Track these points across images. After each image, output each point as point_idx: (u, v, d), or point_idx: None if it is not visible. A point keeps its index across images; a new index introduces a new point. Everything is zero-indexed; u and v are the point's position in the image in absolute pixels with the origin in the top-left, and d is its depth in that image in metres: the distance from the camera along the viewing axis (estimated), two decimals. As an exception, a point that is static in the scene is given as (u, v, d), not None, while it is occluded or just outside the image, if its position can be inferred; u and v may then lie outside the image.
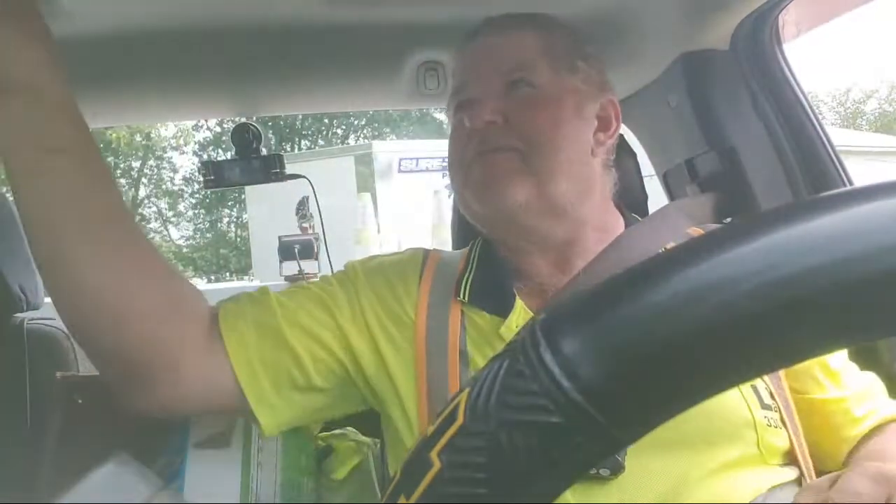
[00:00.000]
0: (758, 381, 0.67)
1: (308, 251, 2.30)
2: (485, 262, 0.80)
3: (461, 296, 0.76)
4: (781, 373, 0.71)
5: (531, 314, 0.73)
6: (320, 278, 0.82)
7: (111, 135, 10.57)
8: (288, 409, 0.72)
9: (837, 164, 1.03)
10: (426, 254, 0.83)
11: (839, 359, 0.74)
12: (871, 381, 0.76)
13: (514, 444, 0.24)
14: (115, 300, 0.61)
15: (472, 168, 0.75)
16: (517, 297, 0.75)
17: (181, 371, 0.66)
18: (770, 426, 0.65)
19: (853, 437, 0.71)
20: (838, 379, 0.73)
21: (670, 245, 0.76)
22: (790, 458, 0.67)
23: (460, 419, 0.26)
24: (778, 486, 0.64)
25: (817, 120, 1.05)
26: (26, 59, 0.58)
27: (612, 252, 0.74)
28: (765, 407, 0.66)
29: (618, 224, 0.81)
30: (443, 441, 0.26)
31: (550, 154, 0.74)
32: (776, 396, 0.68)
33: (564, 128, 0.75)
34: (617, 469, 0.61)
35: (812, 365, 0.72)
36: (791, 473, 0.66)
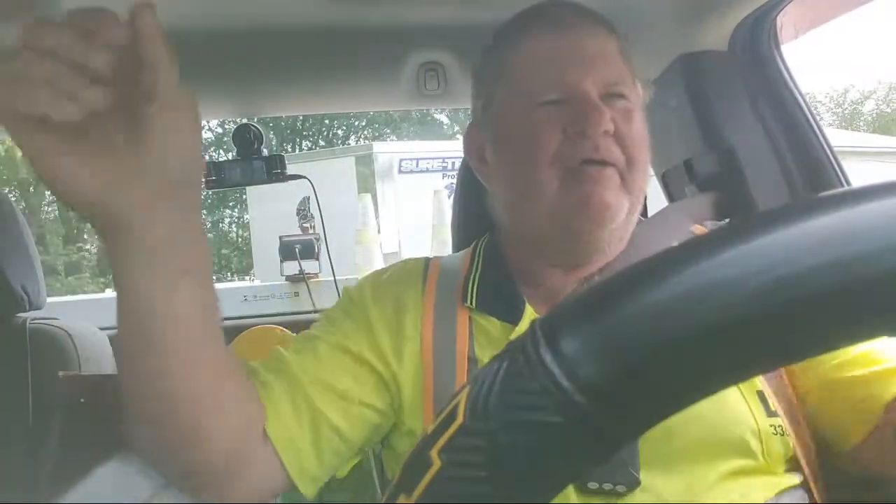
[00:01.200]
0: (763, 387, 0.66)
1: (309, 251, 2.29)
2: (491, 265, 0.77)
3: (468, 301, 0.74)
4: (785, 376, 0.70)
5: None
6: (325, 317, 0.79)
7: (112, 135, 10.52)
8: (329, 471, 0.70)
9: (835, 164, 1.03)
10: (427, 262, 0.81)
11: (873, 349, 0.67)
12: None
13: (513, 443, 0.24)
14: (206, 418, 0.60)
15: (576, 176, 0.70)
16: (527, 304, 0.73)
17: (246, 477, 0.65)
18: (775, 434, 0.64)
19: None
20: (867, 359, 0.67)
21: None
22: (793, 464, 0.66)
23: (460, 418, 0.26)
24: (784, 490, 0.64)
25: (815, 121, 1.05)
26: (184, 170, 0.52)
27: (623, 256, 0.73)
28: (770, 415, 0.65)
29: None
30: (443, 440, 0.26)
31: (642, 173, 0.72)
32: (780, 402, 0.66)
33: (648, 146, 0.74)
34: (633, 484, 0.60)
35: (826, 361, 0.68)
36: (795, 478, 0.65)
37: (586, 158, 0.69)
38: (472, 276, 0.76)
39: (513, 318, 0.72)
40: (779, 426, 0.64)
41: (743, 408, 0.64)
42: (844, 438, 0.67)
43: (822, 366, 0.68)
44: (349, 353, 0.71)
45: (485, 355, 0.70)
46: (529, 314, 0.72)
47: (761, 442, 0.63)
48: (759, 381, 0.66)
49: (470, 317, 0.73)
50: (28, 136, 0.46)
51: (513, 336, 0.69)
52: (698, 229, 0.81)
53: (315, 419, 0.68)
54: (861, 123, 19.83)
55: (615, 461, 0.60)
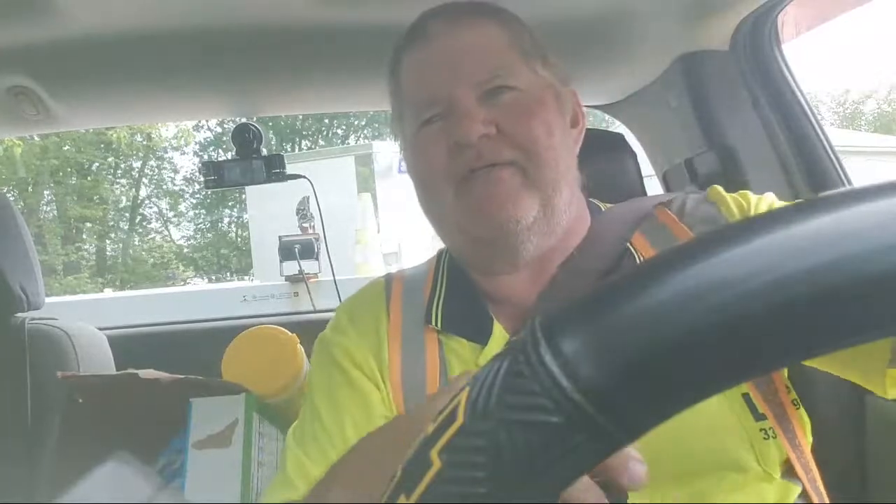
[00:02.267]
0: (749, 390, 0.63)
1: (308, 251, 2.29)
2: (454, 283, 0.74)
3: (434, 322, 0.71)
4: (776, 376, 0.67)
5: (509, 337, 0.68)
6: (309, 394, 0.75)
7: (112, 135, 10.58)
8: None
9: (836, 164, 1.03)
10: (389, 281, 0.78)
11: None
12: None
13: (513, 443, 0.24)
14: None
15: (467, 185, 0.67)
16: (495, 322, 0.70)
17: None
18: (766, 438, 0.62)
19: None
20: None
21: (641, 238, 0.72)
22: (789, 468, 0.64)
23: (460, 419, 0.26)
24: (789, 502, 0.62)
25: (816, 120, 1.05)
26: None
27: (585, 247, 0.70)
28: (759, 418, 0.63)
29: (584, 216, 0.76)
30: (443, 440, 0.26)
31: (551, 164, 0.67)
32: (768, 404, 0.64)
33: (556, 132, 0.69)
34: (621, 499, 0.59)
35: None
36: (794, 485, 0.63)
37: (473, 166, 0.67)
38: (436, 296, 0.73)
39: (481, 337, 0.69)
40: (769, 429, 0.62)
41: (728, 417, 0.62)
42: (874, 383, 0.62)
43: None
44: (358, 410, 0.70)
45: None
46: (498, 333, 0.69)
47: (753, 449, 0.61)
48: (746, 384, 0.64)
49: (438, 339, 0.71)
50: None
51: (479, 359, 0.67)
52: (660, 211, 0.76)
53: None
54: (862, 123, 19.86)
55: (601, 485, 0.58)
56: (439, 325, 0.70)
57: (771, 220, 0.25)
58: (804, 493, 0.64)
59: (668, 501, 0.59)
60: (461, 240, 0.72)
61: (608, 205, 0.80)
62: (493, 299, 0.73)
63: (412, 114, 0.72)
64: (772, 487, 0.62)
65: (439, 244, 0.81)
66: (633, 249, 0.71)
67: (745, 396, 0.63)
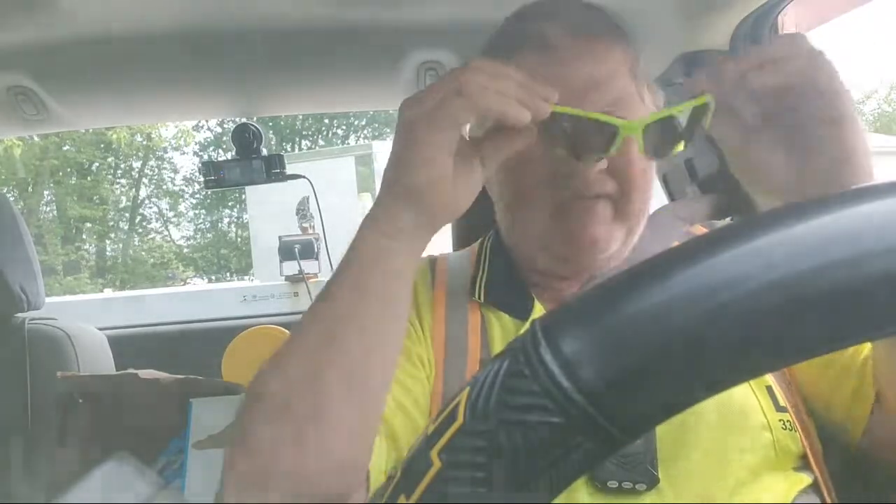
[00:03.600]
0: (771, 383, 0.66)
1: (308, 251, 2.29)
2: (498, 264, 0.77)
3: (476, 296, 0.73)
4: (788, 373, 0.70)
5: None
6: None
7: (112, 135, 10.57)
8: None
9: (837, 164, 1.03)
10: (433, 260, 0.80)
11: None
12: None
13: (513, 443, 0.24)
14: (364, 422, 0.55)
15: (565, 212, 0.68)
16: (536, 300, 0.72)
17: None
18: (785, 429, 0.64)
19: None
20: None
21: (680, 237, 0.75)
22: (804, 462, 0.66)
23: (460, 419, 0.26)
24: (801, 490, 0.63)
25: (817, 120, 1.05)
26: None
27: (626, 263, 0.73)
28: (780, 409, 0.65)
29: None
30: (443, 441, 0.26)
31: (641, 203, 0.70)
32: (788, 398, 0.66)
33: (650, 173, 0.71)
34: (652, 482, 0.60)
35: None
36: (807, 478, 0.65)
37: (578, 195, 0.67)
38: (480, 274, 0.76)
39: (523, 314, 0.71)
40: (788, 421, 0.65)
41: (753, 402, 0.64)
42: (852, 430, 0.67)
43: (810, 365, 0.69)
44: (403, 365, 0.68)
45: (497, 350, 0.68)
46: (538, 310, 0.72)
47: (773, 435, 0.63)
48: (769, 376, 0.66)
49: (481, 312, 0.73)
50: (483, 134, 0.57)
51: (523, 331, 0.68)
52: (693, 230, 0.80)
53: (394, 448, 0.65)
54: (862, 123, 19.82)
55: (634, 459, 0.60)
56: (482, 298, 0.73)
57: (770, 220, 0.25)
58: (816, 487, 0.65)
59: (692, 473, 0.61)
60: (541, 252, 0.73)
61: None
62: (533, 283, 0.75)
63: (560, 119, 0.66)
64: (785, 477, 0.63)
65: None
66: None
67: (769, 388, 0.66)
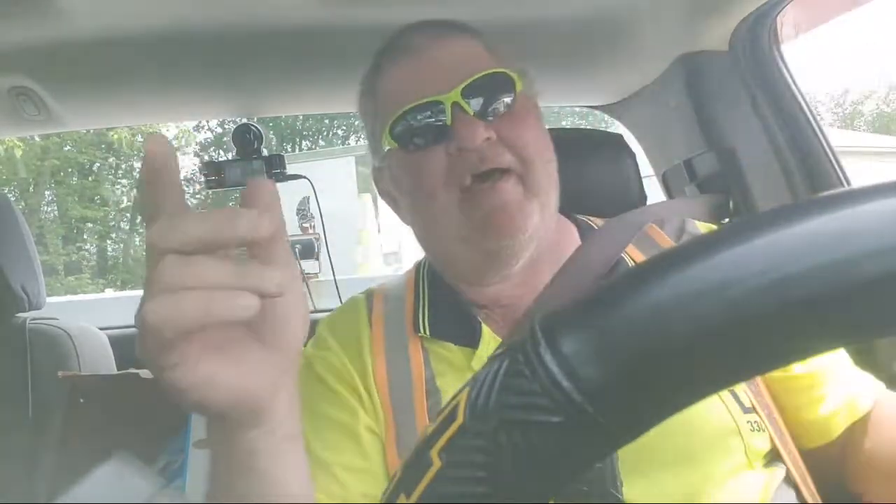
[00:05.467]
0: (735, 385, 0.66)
1: (309, 251, 2.29)
2: (437, 290, 0.75)
3: (420, 329, 0.71)
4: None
5: (500, 340, 0.70)
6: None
7: (112, 135, 10.56)
8: None
9: (836, 164, 1.03)
10: (369, 295, 0.79)
11: None
12: (837, 358, 0.72)
13: (513, 443, 0.24)
14: None
15: (472, 198, 0.68)
16: (483, 325, 0.71)
17: None
18: (753, 430, 0.64)
19: (821, 420, 0.69)
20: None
21: (632, 248, 0.74)
22: (774, 457, 0.66)
23: (460, 418, 0.26)
24: (778, 487, 0.63)
25: (815, 120, 1.05)
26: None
27: (576, 261, 0.71)
28: (746, 411, 0.64)
29: (567, 230, 0.78)
30: (443, 440, 0.26)
31: (544, 172, 0.69)
32: (754, 397, 0.66)
33: (545, 140, 0.71)
34: (614, 501, 0.59)
35: None
36: (779, 473, 0.65)
37: (476, 172, 0.67)
38: (420, 304, 0.74)
39: (471, 341, 0.69)
40: (755, 422, 0.64)
41: (718, 407, 0.63)
42: (802, 442, 0.69)
43: (779, 388, 0.70)
44: (346, 426, 0.68)
45: (446, 383, 0.68)
46: (487, 336, 0.70)
47: (742, 439, 0.63)
48: None
49: (423, 345, 0.71)
50: (186, 344, 0.38)
51: (473, 361, 0.68)
52: (652, 230, 0.77)
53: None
54: (861, 123, 19.84)
55: (596, 482, 0.59)
56: (427, 332, 0.71)
57: (770, 220, 0.25)
58: (789, 479, 0.65)
59: (659, 490, 0.60)
60: (461, 250, 0.72)
61: (596, 220, 0.82)
62: (479, 305, 0.73)
63: (401, 123, 0.71)
64: (757, 475, 0.63)
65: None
66: (626, 257, 0.73)
67: (731, 391, 0.65)
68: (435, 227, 0.73)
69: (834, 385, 0.70)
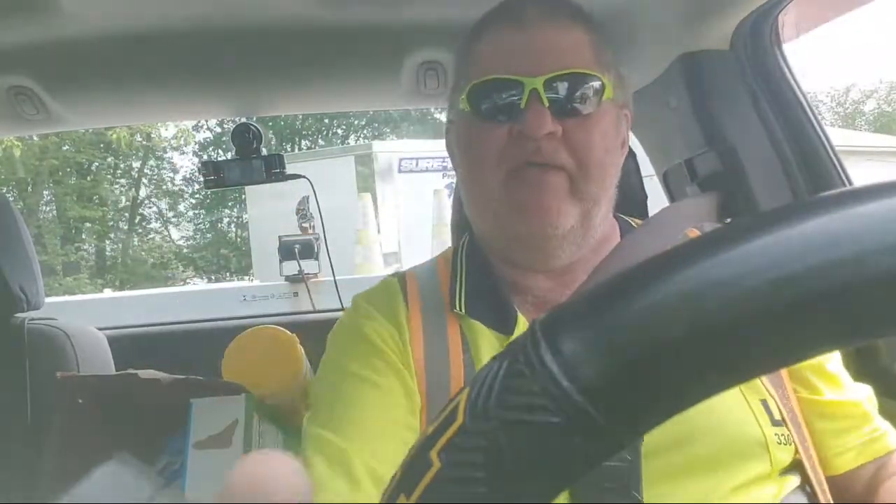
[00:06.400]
0: (766, 395, 0.66)
1: (308, 251, 2.29)
2: (476, 271, 0.75)
3: (457, 307, 0.71)
4: (787, 382, 0.70)
5: None
6: (332, 374, 0.72)
7: (111, 135, 10.56)
8: None
9: (837, 164, 1.03)
10: (401, 276, 0.79)
11: (835, 362, 0.73)
12: (869, 393, 0.74)
13: (513, 443, 0.24)
14: None
15: (517, 179, 0.68)
16: (519, 314, 0.71)
17: None
18: (780, 443, 0.64)
19: (861, 449, 0.70)
20: (838, 382, 0.72)
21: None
22: (794, 467, 0.66)
23: (460, 419, 0.26)
24: (791, 492, 0.64)
25: (816, 120, 1.05)
26: None
27: (612, 262, 0.72)
28: (775, 423, 0.64)
29: (614, 231, 0.79)
30: (443, 440, 0.26)
31: (599, 179, 0.69)
32: (784, 410, 0.66)
33: (611, 150, 0.71)
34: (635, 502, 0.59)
35: (806, 367, 0.71)
36: (795, 480, 0.65)
37: (528, 161, 0.68)
38: (458, 282, 0.74)
39: (506, 328, 0.70)
40: (784, 435, 0.64)
41: (749, 419, 0.63)
42: (826, 466, 0.70)
43: (809, 411, 0.70)
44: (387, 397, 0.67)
45: (482, 362, 0.68)
46: (522, 325, 0.70)
47: (769, 451, 0.63)
48: (764, 390, 0.66)
49: (461, 325, 0.71)
50: None
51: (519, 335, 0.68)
52: (693, 233, 0.80)
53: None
54: (862, 123, 19.87)
55: (617, 482, 0.59)
56: (463, 309, 0.71)
57: (769, 220, 0.25)
58: (806, 491, 0.65)
59: (681, 495, 0.60)
60: (496, 227, 0.73)
61: (638, 221, 0.82)
62: (516, 290, 0.74)
63: (476, 88, 0.71)
64: (778, 485, 0.64)
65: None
66: None
67: (764, 402, 0.65)
68: (480, 197, 0.73)
69: (862, 418, 0.71)
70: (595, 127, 0.69)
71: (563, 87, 0.68)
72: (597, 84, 0.69)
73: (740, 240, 0.24)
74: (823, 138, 1.04)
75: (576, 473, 0.25)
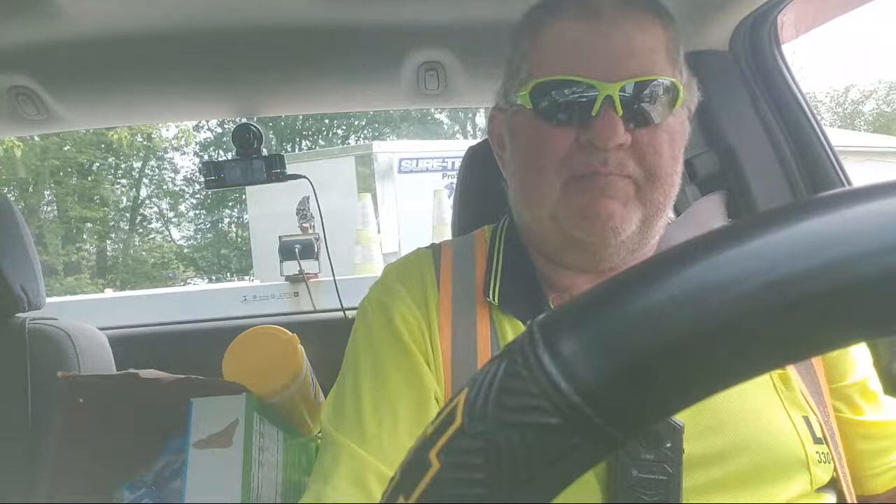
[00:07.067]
0: (809, 413, 0.64)
1: (308, 251, 2.29)
2: (513, 262, 0.72)
3: (490, 296, 0.69)
4: (828, 399, 0.69)
5: None
6: (353, 365, 0.71)
7: (112, 135, 10.56)
8: None
9: (836, 164, 1.03)
10: (436, 250, 0.76)
11: (875, 380, 0.72)
12: None
13: (512, 445, 0.24)
14: None
15: (580, 183, 0.65)
16: (552, 305, 0.69)
17: None
18: (821, 462, 0.63)
19: (880, 471, 0.70)
20: (879, 401, 0.71)
21: None
22: (830, 486, 0.65)
23: (459, 420, 0.26)
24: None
25: (815, 120, 1.05)
26: None
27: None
28: (817, 441, 0.63)
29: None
30: (441, 442, 0.26)
31: (663, 189, 0.66)
32: (825, 428, 0.65)
33: (678, 160, 0.67)
34: None
35: (850, 386, 0.70)
36: (831, 497, 0.64)
37: (594, 171, 0.64)
38: (493, 271, 0.71)
39: None
40: (824, 453, 0.63)
41: (792, 435, 0.62)
42: (862, 486, 0.69)
43: (850, 431, 0.70)
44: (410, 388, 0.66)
45: None
46: None
47: (810, 471, 0.62)
48: (807, 407, 0.65)
49: (491, 313, 0.69)
50: None
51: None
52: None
53: None
54: (861, 123, 19.84)
55: (657, 495, 0.58)
56: (497, 300, 0.68)
57: (768, 220, 0.25)
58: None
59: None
60: (549, 227, 0.69)
61: (672, 216, 0.79)
62: (553, 286, 0.71)
63: (542, 87, 0.66)
64: (815, 503, 0.63)
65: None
66: None
67: (806, 419, 0.64)
68: (534, 197, 0.69)
69: None
70: (666, 135, 0.65)
71: (638, 95, 0.63)
72: (672, 90, 0.65)
73: (738, 241, 0.24)
74: (822, 138, 1.04)
75: (574, 474, 0.25)
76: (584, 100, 0.64)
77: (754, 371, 0.26)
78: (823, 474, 0.63)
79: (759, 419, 0.62)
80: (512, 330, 0.68)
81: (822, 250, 0.23)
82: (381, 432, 0.64)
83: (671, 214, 0.79)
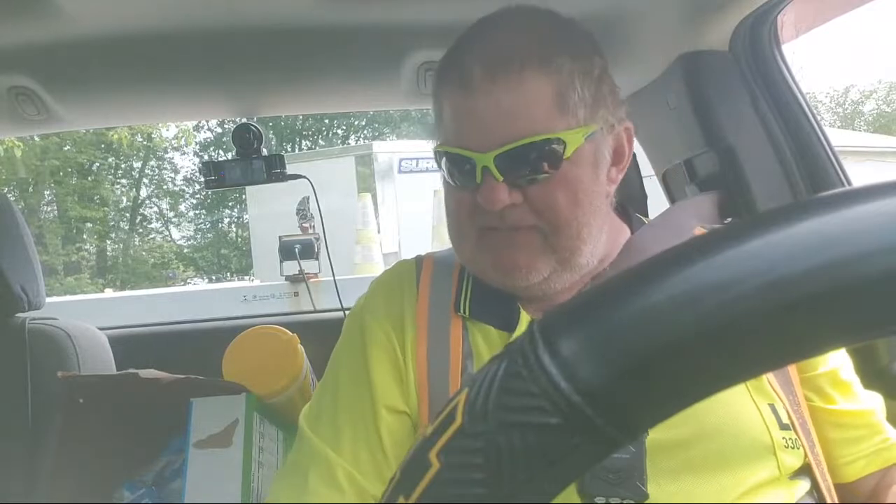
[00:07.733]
0: (776, 400, 0.66)
1: (309, 251, 2.29)
2: (482, 282, 0.75)
3: (461, 310, 0.73)
4: (798, 388, 0.70)
5: None
6: (332, 374, 0.77)
7: (112, 136, 10.56)
8: None
9: (836, 164, 1.03)
10: (419, 262, 0.80)
11: (848, 370, 0.73)
12: (881, 402, 0.75)
13: (512, 445, 0.24)
14: None
15: (487, 239, 0.69)
16: (522, 310, 0.72)
17: None
18: (788, 447, 0.64)
19: (871, 458, 0.71)
20: (851, 391, 0.72)
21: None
22: (803, 472, 0.66)
23: (459, 420, 0.26)
24: (798, 498, 0.64)
25: (816, 120, 1.05)
26: None
27: (621, 261, 0.72)
28: (783, 427, 0.65)
29: (621, 230, 0.78)
30: (441, 442, 0.26)
31: (572, 233, 0.67)
32: (793, 414, 0.66)
33: (583, 198, 0.66)
34: (640, 497, 0.60)
35: (821, 376, 0.71)
36: (804, 485, 0.65)
37: (494, 226, 0.68)
38: (464, 287, 0.75)
39: (508, 325, 0.71)
40: (791, 439, 0.65)
41: (756, 421, 0.64)
42: (834, 474, 0.70)
43: (821, 419, 0.71)
44: (380, 405, 0.72)
45: (481, 365, 0.68)
46: (525, 321, 0.71)
47: (776, 456, 0.63)
48: (774, 395, 0.66)
49: (464, 325, 0.73)
50: None
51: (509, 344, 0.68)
52: (699, 231, 0.80)
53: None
54: (862, 123, 19.84)
55: (622, 474, 0.60)
56: (467, 313, 0.73)
57: (767, 221, 0.25)
58: (817, 493, 0.66)
59: (687, 493, 0.61)
60: (481, 272, 0.74)
61: (647, 219, 0.82)
62: (518, 295, 0.74)
63: (439, 154, 0.71)
64: (788, 489, 0.64)
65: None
66: None
67: (772, 406, 0.66)
68: (456, 242, 0.74)
69: (873, 428, 0.72)
70: (559, 187, 0.66)
71: (516, 159, 0.64)
72: (555, 146, 0.64)
73: (738, 241, 0.24)
74: (822, 138, 1.04)
75: (574, 473, 0.25)
76: (468, 167, 0.67)
77: (754, 371, 0.26)
78: (793, 460, 0.64)
79: (723, 406, 0.63)
80: (482, 337, 0.72)
81: (822, 250, 0.23)
82: (346, 436, 0.71)
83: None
